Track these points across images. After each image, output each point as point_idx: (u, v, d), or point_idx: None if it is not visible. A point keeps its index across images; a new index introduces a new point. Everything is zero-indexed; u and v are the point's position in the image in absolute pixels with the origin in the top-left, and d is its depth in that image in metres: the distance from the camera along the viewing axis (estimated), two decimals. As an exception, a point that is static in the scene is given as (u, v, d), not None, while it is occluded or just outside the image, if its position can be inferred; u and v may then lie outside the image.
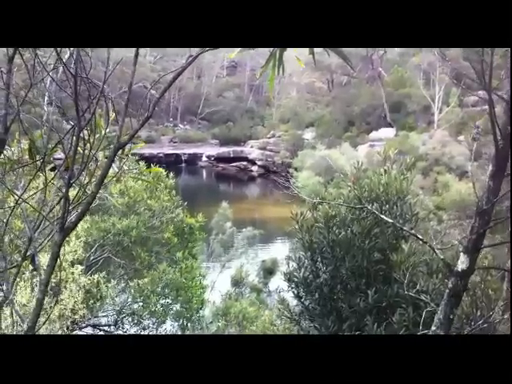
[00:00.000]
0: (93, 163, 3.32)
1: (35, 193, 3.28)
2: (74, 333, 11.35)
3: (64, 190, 2.79)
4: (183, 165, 64.50)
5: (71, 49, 2.81)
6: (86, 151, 3.06)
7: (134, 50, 2.86)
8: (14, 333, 3.32)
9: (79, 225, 11.02)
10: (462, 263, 3.76)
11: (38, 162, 3.35)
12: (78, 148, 3.03)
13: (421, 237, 4.73)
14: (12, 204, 3.41)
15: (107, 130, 3.37)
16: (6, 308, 2.93)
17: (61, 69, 3.00)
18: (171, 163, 55.46)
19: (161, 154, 61.07)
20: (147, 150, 57.76)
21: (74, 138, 2.73)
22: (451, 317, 3.86)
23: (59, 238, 2.72)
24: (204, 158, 66.24)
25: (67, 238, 10.48)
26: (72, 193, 3.20)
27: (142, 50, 79.96)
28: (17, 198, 3.09)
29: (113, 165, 4.61)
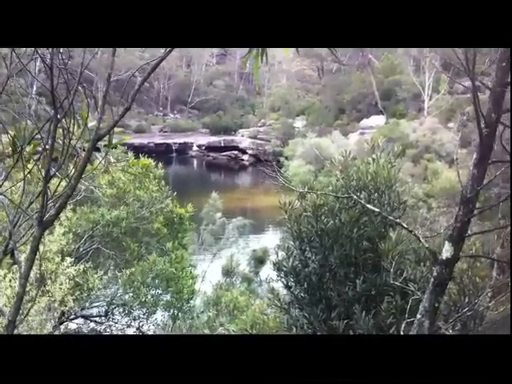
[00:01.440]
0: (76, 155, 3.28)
1: (13, 185, 3.24)
2: (65, 324, 11.35)
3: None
4: (174, 154, 64.26)
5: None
6: (67, 142, 3.02)
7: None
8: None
9: (66, 216, 10.97)
10: (446, 251, 3.75)
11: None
12: (60, 140, 2.99)
13: (406, 225, 4.72)
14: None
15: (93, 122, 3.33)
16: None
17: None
18: (162, 153, 55.24)
19: (151, 144, 60.79)
20: (137, 140, 57.52)
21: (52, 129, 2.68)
22: (436, 305, 3.86)
23: (38, 231, 2.68)
24: (195, 148, 66.02)
25: (50, 229, 10.43)
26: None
27: (130, 39, 79.16)
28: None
29: (99, 156, 4.58)
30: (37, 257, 8.04)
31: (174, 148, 65.08)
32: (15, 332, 8.10)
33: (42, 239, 9.89)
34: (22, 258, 2.93)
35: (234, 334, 11.15)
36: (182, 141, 66.43)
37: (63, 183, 3.12)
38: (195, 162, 65.41)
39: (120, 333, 12.00)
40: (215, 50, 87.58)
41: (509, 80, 3.58)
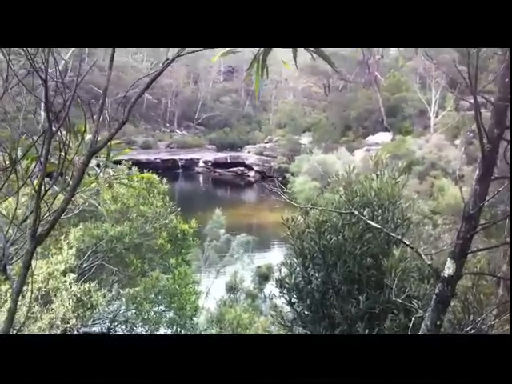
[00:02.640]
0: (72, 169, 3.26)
1: (3, 200, 3.21)
2: (67, 341, 11.26)
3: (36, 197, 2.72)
4: (180, 170, 64.38)
5: (44, 53, 2.74)
6: (67, 156, 2.99)
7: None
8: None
9: (71, 233, 10.96)
10: (448, 268, 3.69)
11: (20, 169, 3.28)
12: (58, 154, 2.97)
13: (408, 242, 4.66)
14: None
15: (87, 136, 3.31)
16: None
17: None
18: (168, 169, 55.41)
19: (158, 160, 60.98)
20: (144, 156, 57.78)
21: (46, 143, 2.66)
22: (438, 323, 3.79)
23: (31, 245, 2.65)
24: (201, 164, 66.12)
25: (59, 247, 10.43)
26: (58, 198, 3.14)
27: (138, 56, 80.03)
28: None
29: (98, 170, 4.56)
30: (40, 275, 7.98)
31: (180, 164, 65.20)
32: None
33: (50, 258, 9.94)
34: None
35: (233, 334, 11.09)
36: (188, 157, 66.57)
37: (60, 197, 3.10)
38: (201, 178, 65.48)
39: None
40: (222, 67, 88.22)
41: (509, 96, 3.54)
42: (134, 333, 11.81)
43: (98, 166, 4.59)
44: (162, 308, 12.32)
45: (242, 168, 63.85)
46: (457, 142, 44.32)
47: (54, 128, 2.76)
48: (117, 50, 2.77)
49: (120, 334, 11.70)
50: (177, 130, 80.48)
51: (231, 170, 64.20)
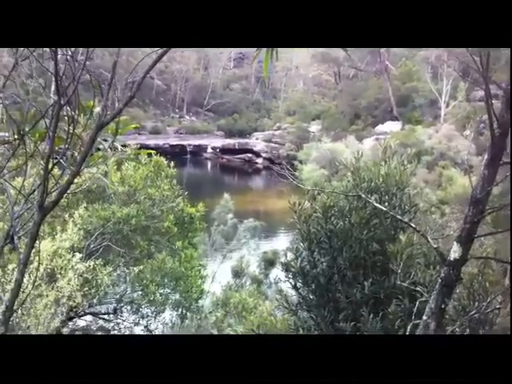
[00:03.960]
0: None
1: (12, 170, 3.23)
2: (73, 321, 11.37)
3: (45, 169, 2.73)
4: (188, 156, 64.48)
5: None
6: (75, 131, 3.00)
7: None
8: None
9: (79, 214, 11.02)
10: (454, 252, 3.68)
11: (29, 144, 3.30)
12: (66, 128, 2.97)
13: (414, 226, 4.65)
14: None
15: (96, 110, 3.31)
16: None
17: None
18: (176, 154, 55.43)
19: (166, 145, 61.11)
20: (153, 141, 57.94)
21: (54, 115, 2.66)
22: (443, 306, 3.79)
23: (38, 217, 2.66)
24: (209, 150, 66.19)
25: (67, 228, 10.48)
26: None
27: (148, 41, 79.68)
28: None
29: (106, 145, 4.56)
30: (45, 253, 8.03)
31: (188, 150, 65.31)
32: (24, 325, 8.10)
33: (55, 235, 10.02)
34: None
35: (234, 334, 11.14)
36: (196, 143, 66.67)
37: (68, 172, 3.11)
38: (209, 164, 65.56)
39: (128, 331, 12.01)
40: (233, 54, 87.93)
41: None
42: (139, 314, 11.90)
43: (105, 141, 4.60)
44: (168, 290, 12.38)
45: (249, 155, 63.84)
46: (467, 132, 44.06)
47: (62, 101, 2.76)
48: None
49: (119, 334, 11.79)
50: (186, 116, 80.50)
51: (239, 156, 64.21)
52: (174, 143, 64.66)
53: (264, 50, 3.31)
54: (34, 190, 3.05)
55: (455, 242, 3.74)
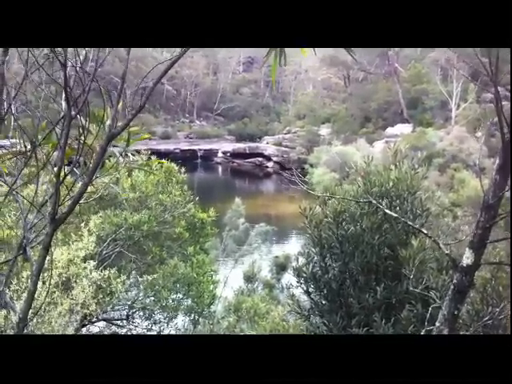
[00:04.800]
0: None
1: (24, 184, 3.25)
2: (86, 327, 11.41)
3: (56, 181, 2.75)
4: (199, 161, 64.64)
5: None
6: (86, 141, 3.03)
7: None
8: (6, 324, 3.31)
9: (92, 220, 11.07)
10: (467, 258, 3.66)
11: (41, 155, 3.33)
12: (77, 137, 3.00)
13: (426, 231, 4.63)
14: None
15: (107, 122, 3.33)
16: (0, 300, 2.92)
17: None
18: (187, 159, 55.61)
19: (177, 150, 61.35)
20: (163, 146, 58.16)
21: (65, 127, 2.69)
22: (456, 313, 3.76)
23: (50, 228, 2.68)
24: (220, 154, 66.30)
25: (80, 234, 10.54)
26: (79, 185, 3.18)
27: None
28: (14, 188, 3.06)
29: (118, 154, 4.59)
30: (61, 262, 8.07)
31: (199, 154, 65.48)
32: (38, 332, 8.13)
33: (71, 245, 10.06)
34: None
35: (244, 330, 11.13)
36: (207, 147, 66.84)
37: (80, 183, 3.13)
38: (220, 168, 65.65)
39: (141, 337, 12.03)
40: (242, 58, 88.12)
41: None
42: (152, 319, 11.92)
43: (119, 153, 4.63)
44: (180, 296, 12.39)
45: (260, 159, 63.86)
46: (478, 134, 43.80)
47: (73, 113, 2.78)
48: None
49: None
50: (196, 121, 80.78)
51: (250, 160, 64.24)
52: (185, 148, 64.88)
53: (272, 55, 3.33)
54: (46, 201, 3.07)
55: (467, 248, 3.72)
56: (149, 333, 11.99)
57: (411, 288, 5.46)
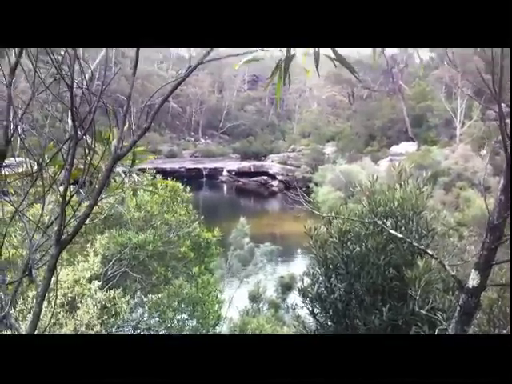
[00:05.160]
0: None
1: (30, 204, 3.27)
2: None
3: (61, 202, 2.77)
4: (204, 179, 64.80)
5: (70, 61, 2.79)
6: (92, 162, 3.04)
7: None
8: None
9: (97, 240, 11.08)
10: (472, 280, 3.64)
11: (47, 175, 3.34)
12: (84, 160, 3.02)
13: (431, 253, 4.61)
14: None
15: (113, 142, 3.35)
16: (6, 320, 2.92)
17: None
18: (192, 177, 55.79)
19: (182, 169, 61.59)
20: (168, 165, 58.39)
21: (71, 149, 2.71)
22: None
23: (55, 250, 2.69)
24: (225, 173, 66.46)
25: (85, 254, 10.54)
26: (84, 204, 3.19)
27: (163, 65, 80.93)
28: (19, 209, 3.08)
29: (123, 174, 4.62)
30: (66, 282, 8.06)
31: (204, 173, 65.67)
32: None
33: (76, 265, 10.05)
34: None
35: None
36: (212, 166, 67.05)
37: (87, 203, 3.14)
38: (225, 187, 65.76)
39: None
40: (247, 76, 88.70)
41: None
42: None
43: (124, 173, 4.65)
44: (185, 316, 12.33)
45: (265, 177, 63.95)
46: (483, 152, 43.77)
47: (79, 134, 2.80)
48: (142, 59, 2.82)
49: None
50: (201, 139, 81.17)
51: (255, 179, 64.35)
52: (190, 167, 65.12)
53: (277, 75, 3.35)
54: (52, 223, 3.08)
55: (473, 270, 3.70)
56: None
57: (417, 309, 5.42)
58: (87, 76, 3.00)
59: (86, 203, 3.16)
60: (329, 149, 63.10)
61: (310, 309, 7.67)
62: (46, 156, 3.28)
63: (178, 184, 13.80)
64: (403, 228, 7.01)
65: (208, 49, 2.78)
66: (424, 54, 52.02)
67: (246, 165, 66.54)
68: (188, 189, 14.07)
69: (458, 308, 3.76)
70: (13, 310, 7.59)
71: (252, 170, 64.97)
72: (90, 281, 9.56)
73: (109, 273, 11.84)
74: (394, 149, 55.28)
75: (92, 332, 9.29)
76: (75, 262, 10.07)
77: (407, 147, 54.08)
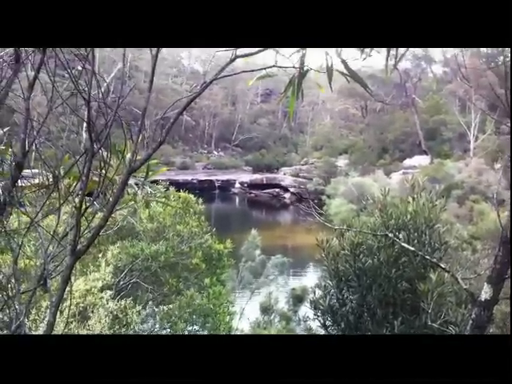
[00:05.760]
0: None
1: (46, 215, 3.32)
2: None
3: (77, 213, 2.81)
4: (216, 191, 64.92)
5: (87, 76, 2.84)
6: (107, 175, 3.09)
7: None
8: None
9: (109, 251, 11.14)
10: (485, 293, 3.63)
11: (62, 187, 3.39)
12: (99, 172, 3.07)
13: (444, 266, 4.60)
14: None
15: (127, 156, 3.40)
16: (20, 330, 2.95)
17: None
18: (205, 189, 55.91)
19: (195, 181, 61.72)
20: (181, 177, 58.54)
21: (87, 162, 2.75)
22: (475, 349, 3.71)
23: (70, 261, 2.73)
24: (237, 185, 66.56)
25: (97, 264, 10.61)
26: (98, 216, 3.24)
27: (178, 79, 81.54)
28: (36, 221, 3.13)
29: (137, 189, 4.66)
30: (78, 292, 8.11)
31: (216, 185, 65.81)
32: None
33: (88, 275, 10.12)
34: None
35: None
36: (225, 178, 67.20)
37: (100, 214, 3.19)
38: (237, 199, 65.81)
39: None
40: (260, 90, 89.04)
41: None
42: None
43: (136, 184, 4.71)
44: (196, 327, 12.32)
45: (277, 189, 63.97)
46: (497, 166, 43.49)
47: (95, 147, 2.85)
48: (157, 73, 2.86)
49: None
50: (214, 152, 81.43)
51: (267, 191, 64.37)
52: (203, 178, 65.29)
53: (290, 90, 3.39)
54: (67, 233, 3.12)
55: (486, 283, 3.69)
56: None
57: (430, 322, 5.40)
58: (103, 89, 3.06)
59: (100, 214, 3.21)
60: (341, 161, 63.05)
61: (322, 321, 7.65)
62: (61, 168, 3.34)
63: (191, 196, 13.86)
64: (416, 241, 6.99)
65: (223, 64, 2.82)
66: (437, 68, 52.00)
67: (258, 177, 66.63)
68: (200, 200, 14.12)
69: (471, 321, 3.75)
70: (26, 320, 7.64)
71: (264, 182, 65.02)
72: (102, 291, 9.61)
73: (121, 283, 11.88)
74: (408, 162, 55.14)
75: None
76: (87, 272, 10.13)
77: (420, 160, 53.90)
